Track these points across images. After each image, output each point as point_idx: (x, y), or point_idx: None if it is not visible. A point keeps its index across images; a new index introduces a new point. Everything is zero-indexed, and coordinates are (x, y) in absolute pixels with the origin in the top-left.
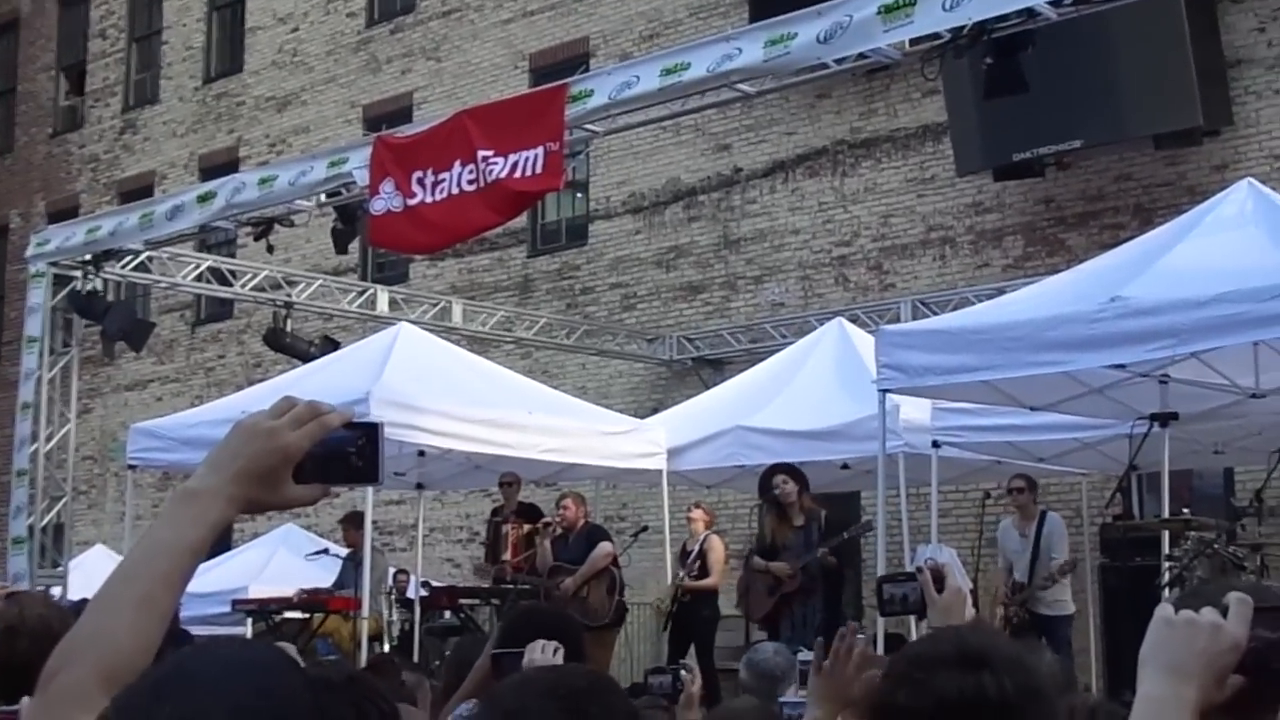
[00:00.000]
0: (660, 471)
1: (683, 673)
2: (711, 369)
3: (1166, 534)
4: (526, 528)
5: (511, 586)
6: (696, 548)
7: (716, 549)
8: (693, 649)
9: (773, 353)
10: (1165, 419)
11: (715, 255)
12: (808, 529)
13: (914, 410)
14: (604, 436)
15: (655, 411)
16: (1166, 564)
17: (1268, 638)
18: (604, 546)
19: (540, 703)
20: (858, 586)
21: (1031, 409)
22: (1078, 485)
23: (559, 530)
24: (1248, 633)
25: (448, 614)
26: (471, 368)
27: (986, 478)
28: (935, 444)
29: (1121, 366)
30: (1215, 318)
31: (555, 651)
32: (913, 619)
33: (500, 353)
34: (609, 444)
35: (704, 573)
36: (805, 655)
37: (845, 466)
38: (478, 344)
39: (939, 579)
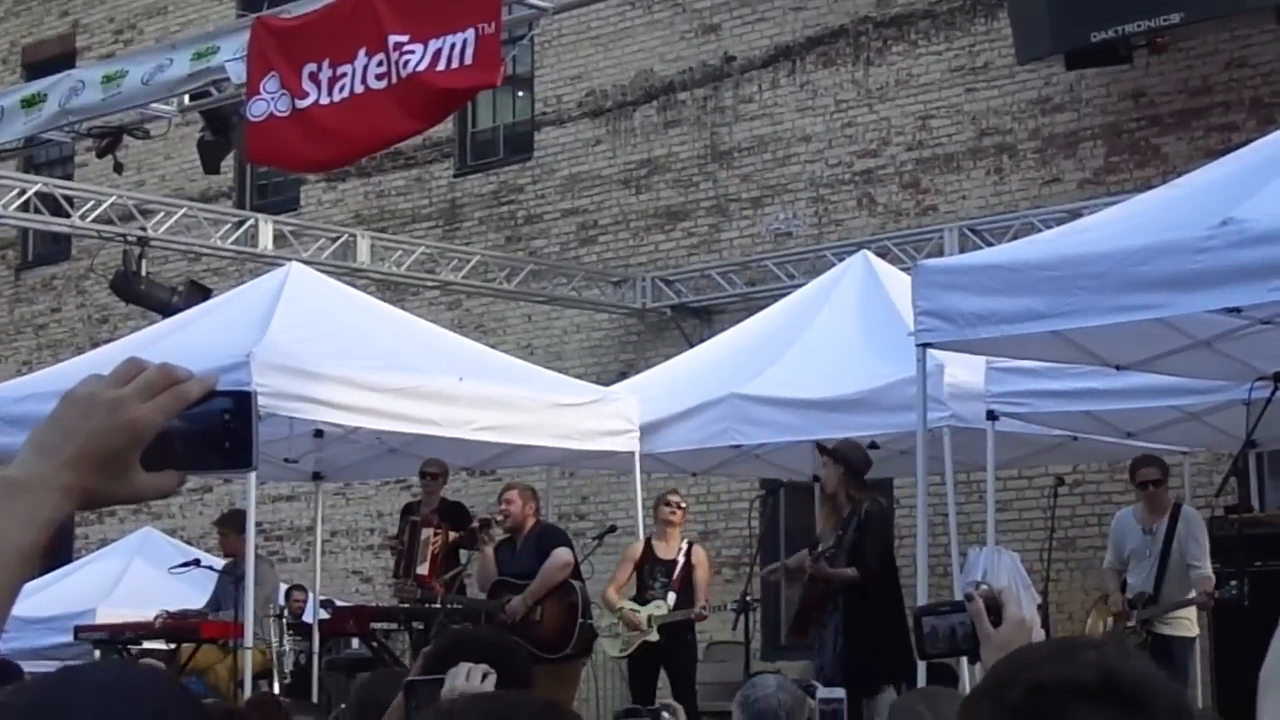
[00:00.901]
0: (632, 455)
1: (664, 716)
2: (697, 320)
3: None
4: (452, 535)
5: (439, 607)
6: (681, 558)
7: (704, 564)
8: (669, 685)
9: (777, 298)
10: None
11: (701, 172)
12: (846, 524)
13: (963, 372)
14: (557, 410)
15: (624, 376)
16: None
17: None
18: (560, 554)
19: None
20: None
21: (1117, 368)
22: (1178, 468)
23: (499, 534)
24: None
25: (355, 643)
26: (383, 321)
27: (1058, 459)
28: (991, 415)
29: (1236, 311)
30: None
31: (485, 678)
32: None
33: (421, 301)
34: (564, 419)
35: (684, 595)
36: (824, 692)
37: (873, 445)
38: (391, 290)
39: (995, 607)
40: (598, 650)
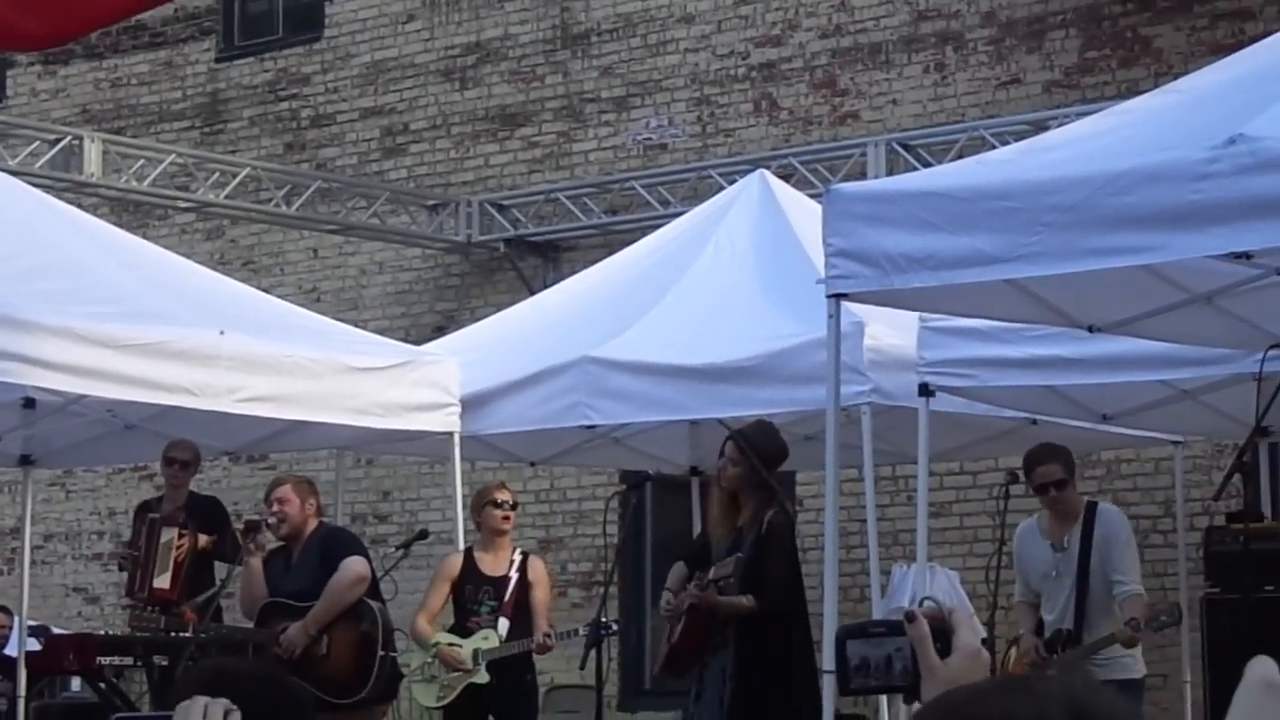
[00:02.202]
0: (450, 437)
1: None
2: (539, 259)
3: None
4: (202, 539)
5: (189, 637)
6: (514, 573)
7: (545, 581)
8: None
9: (645, 232)
10: None
11: (547, 61)
12: (741, 535)
13: (889, 332)
14: (351, 375)
15: (442, 332)
16: None
17: None
18: (351, 566)
19: None
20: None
21: (1090, 330)
22: (1167, 462)
23: (270, 542)
24: None
25: (76, 683)
26: (117, 254)
27: (1012, 449)
28: (925, 390)
29: (1245, 256)
30: None
31: (228, 716)
32: (883, 700)
33: (170, 228)
34: (360, 388)
35: (519, 622)
36: None
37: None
38: (130, 212)
39: (942, 632)
40: (404, 696)
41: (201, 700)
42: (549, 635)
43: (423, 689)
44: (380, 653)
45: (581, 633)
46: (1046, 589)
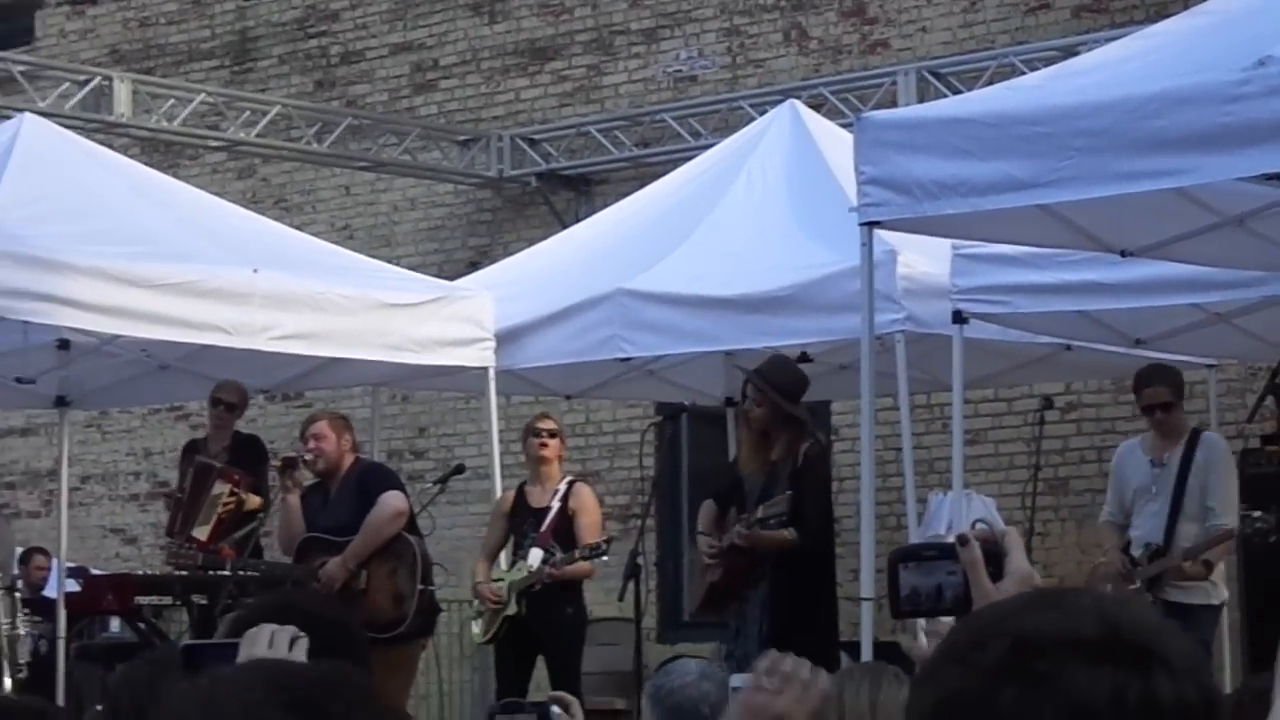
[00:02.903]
0: (485, 371)
1: (554, 710)
2: (572, 193)
3: None
4: (252, 500)
5: (228, 574)
6: (555, 503)
7: (589, 507)
8: (545, 673)
9: (677, 164)
10: None
11: None
12: (780, 467)
13: (922, 260)
14: (384, 311)
15: (475, 268)
16: None
17: None
18: (390, 501)
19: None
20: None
21: (1122, 254)
22: (1203, 385)
23: (307, 478)
24: None
25: (115, 623)
26: (149, 194)
27: (1046, 375)
28: (958, 317)
29: (1276, 177)
30: None
31: (295, 643)
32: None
33: (202, 167)
34: (394, 324)
35: (568, 548)
36: (738, 681)
37: (804, 358)
38: (161, 152)
39: (994, 555)
40: (452, 633)
41: (269, 627)
42: (552, 564)
43: (476, 625)
44: (420, 586)
45: (577, 556)
46: (1140, 505)
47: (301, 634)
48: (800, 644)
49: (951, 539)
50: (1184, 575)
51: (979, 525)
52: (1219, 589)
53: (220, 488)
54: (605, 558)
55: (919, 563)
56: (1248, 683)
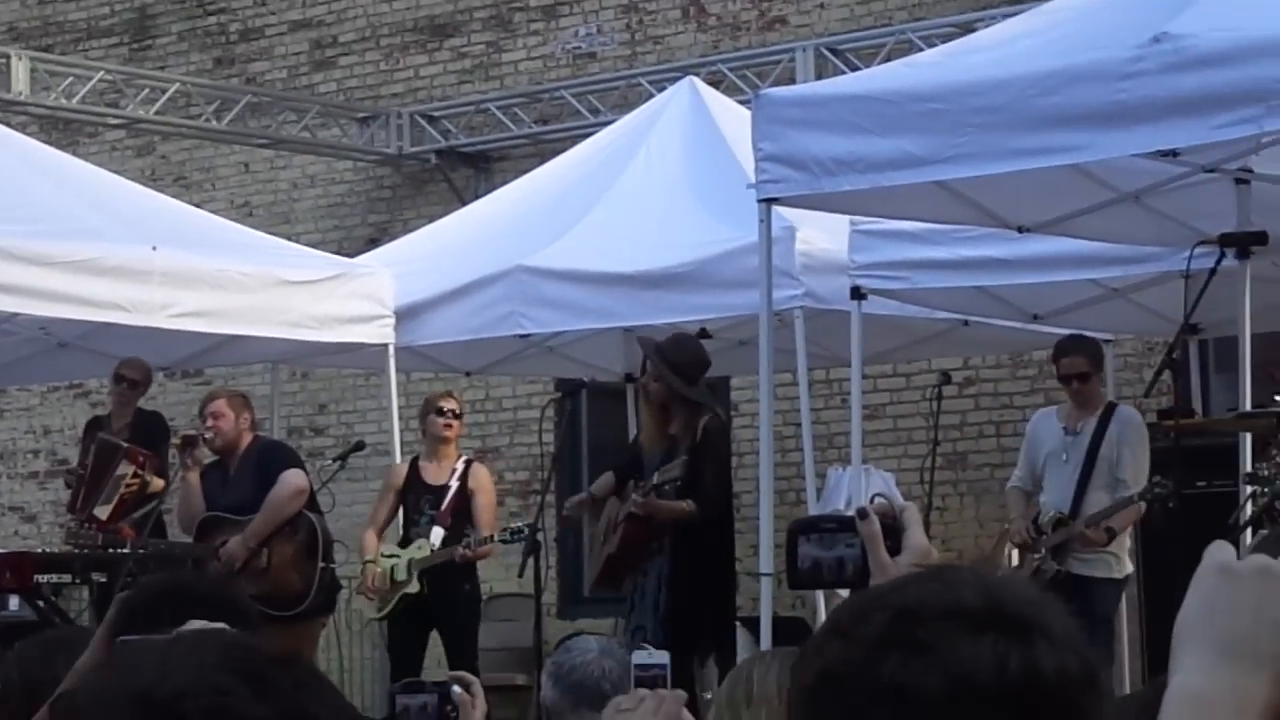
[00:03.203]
0: (385, 348)
1: (455, 690)
2: (471, 169)
3: (1248, 439)
4: (156, 483)
5: (128, 553)
6: (454, 482)
7: (487, 487)
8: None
9: (576, 140)
10: (1246, 244)
11: None
12: (679, 442)
13: (821, 236)
14: (284, 289)
15: (374, 244)
16: (1247, 489)
17: None
18: (290, 479)
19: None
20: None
21: (1019, 230)
22: None
23: (206, 456)
24: None
25: (14, 602)
26: (48, 171)
27: (944, 350)
28: (857, 293)
29: (1172, 154)
30: None
31: None
32: (820, 602)
33: (100, 145)
34: (293, 302)
35: (457, 530)
36: (642, 656)
37: (704, 334)
38: (60, 129)
39: (893, 529)
40: (352, 610)
41: (195, 623)
42: (467, 546)
43: (366, 602)
44: (320, 564)
45: (496, 539)
46: (1051, 471)
47: (227, 629)
48: (696, 618)
49: (856, 509)
50: (1086, 541)
51: (878, 499)
52: (1123, 562)
53: (125, 468)
54: (521, 541)
55: (819, 535)
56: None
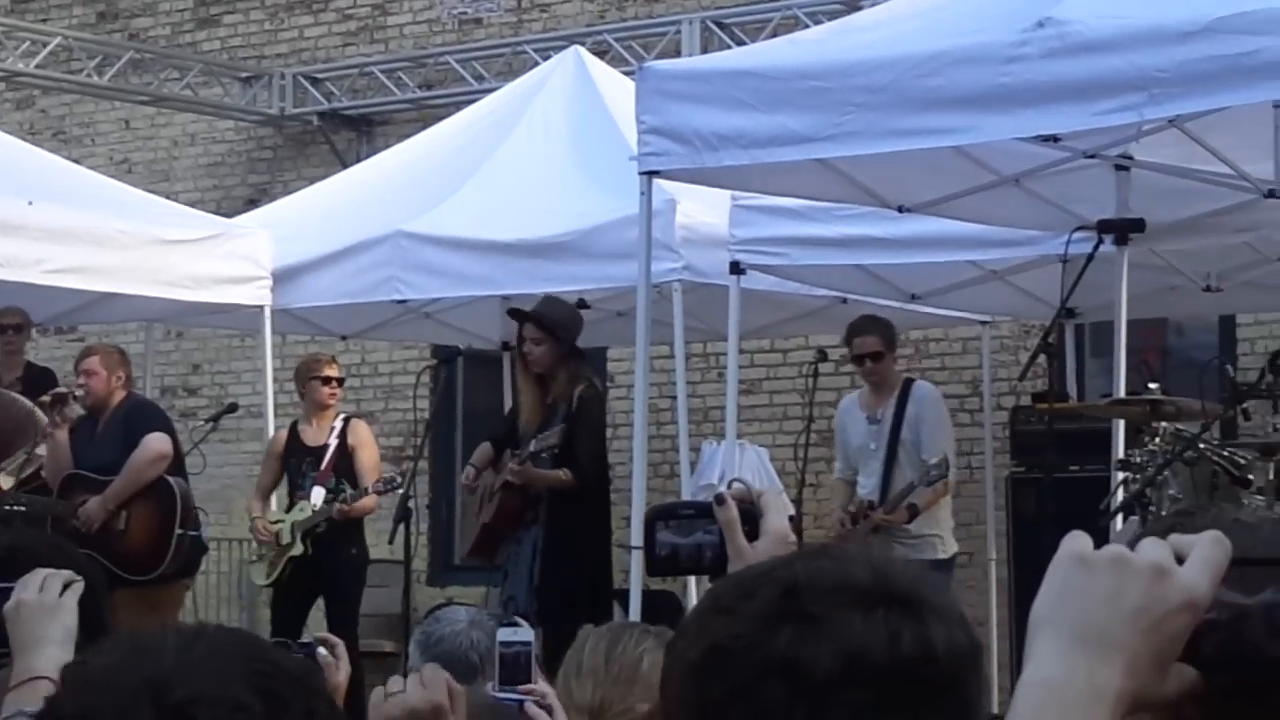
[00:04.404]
0: (261, 310)
1: (320, 652)
2: (353, 132)
3: (1120, 425)
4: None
5: None
6: (333, 440)
7: (368, 442)
8: (323, 615)
9: (459, 106)
10: (1124, 230)
11: None
12: (554, 411)
13: (701, 210)
14: (161, 247)
15: (254, 205)
16: (1120, 475)
17: (1239, 604)
18: (152, 443)
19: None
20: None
21: (900, 210)
22: (975, 342)
23: (78, 411)
24: (1211, 589)
25: None
26: None
27: (822, 327)
28: (736, 268)
29: (1053, 139)
30: (1211, 59)
31: (68, 589)
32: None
33: None
34: (170, 260)
35: (339, 484)
36: (506, 633)
37: (582, 304)
38: None
39: (750, 514)
40: (215, 565)
41: (43, 572)
42: (344, 500)
43: (256, 569)
44: (179, 531)
45: (370, 490)
46: (862, 462)
47: (76, 578)
48: (569, 588)
49: (713, 495)
50: (889, 524)
51: (735, 485)
52: (947, 543)
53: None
54: (399, 491)
55: (678, 521)
56: None
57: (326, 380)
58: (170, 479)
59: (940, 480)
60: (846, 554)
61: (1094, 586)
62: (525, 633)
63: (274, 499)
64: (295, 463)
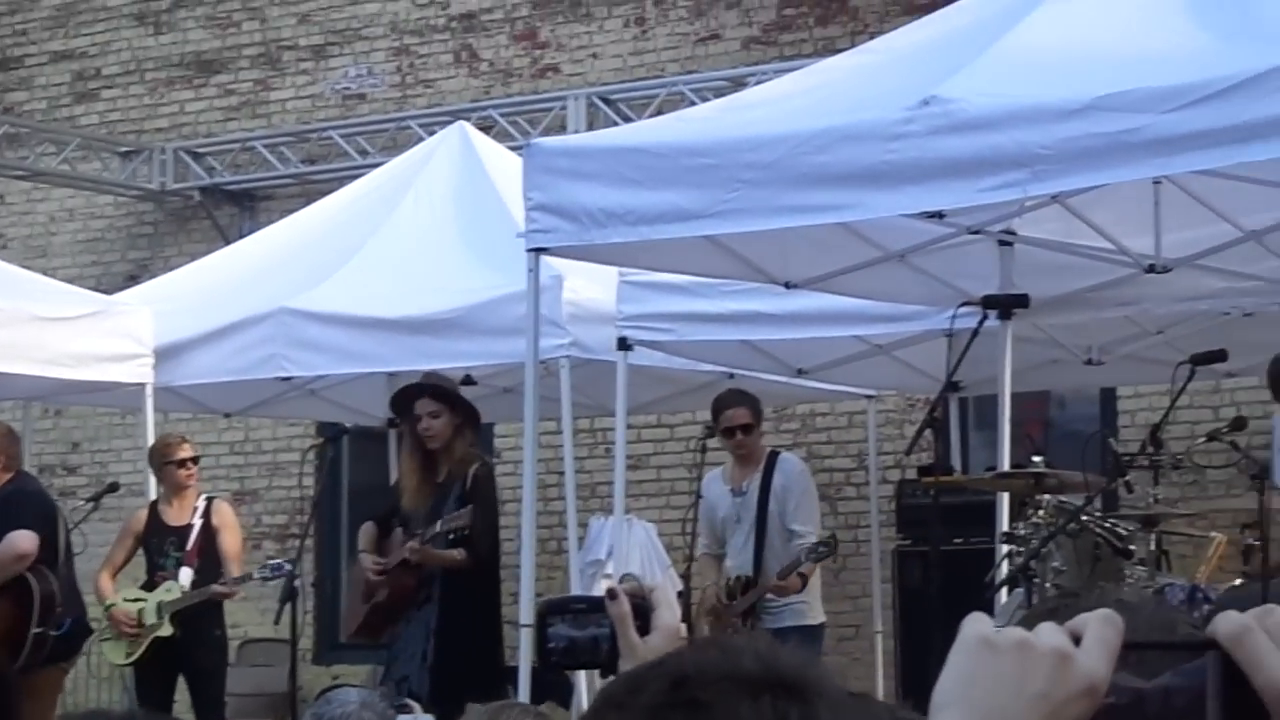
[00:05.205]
0: (142, 388)
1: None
2: (236, 208)
3: (1005, 498)
4: None
5: None
6: (197, 520)
7: (231, 523)
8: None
9: (344, 182)
10: (1008, 306)
11: (244, 7)
12: (446, 489)
13: (589, 286)
14: (39, 324)
15: (135, 281)
16: (1004, 548)
17: (1136, 688)
18: (15, 542)
19: None
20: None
21: (787, 285)
22: (861, 416)
23: None
24: (1109, 672)
25: None
26: None
27: (709, 402)
28: (623, 344)
29: (938, 215)
30: (1093, 136)
31: None
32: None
33: None
34: (48, 338)
35: (205, 569)
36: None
37: (469, 380)
38: None
39: (642, 609)
40: (97, 649)
41: None
42: (223, 582)
43: (111, 646)
44: (35, 630)
45: (256, 576)
46: (728, 535)
47: None
48: (464, 669)
49: (605, 590)
50: (782, 591)
51: (627, 579)
52: (815, 609)
53: None
54: (284, 577)
55: (573, 615)
56: None
57: (181, 463)
58: (31, 576)
59: (829, 556)
60: (734, 645)
61: (998, 670)
62: (425, 718)
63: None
64: (157, 542)
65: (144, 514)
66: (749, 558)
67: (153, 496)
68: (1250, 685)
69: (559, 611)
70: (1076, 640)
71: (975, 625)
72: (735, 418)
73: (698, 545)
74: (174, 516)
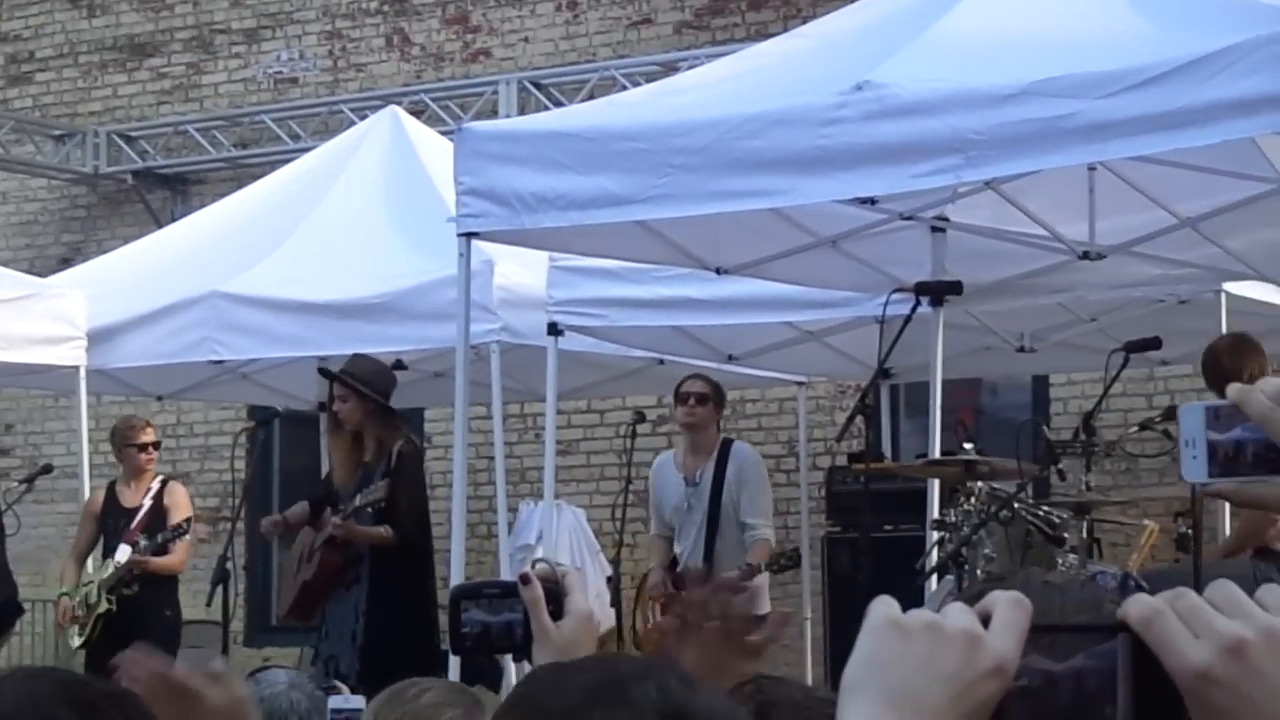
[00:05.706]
0: (75, 370)
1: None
2: (168, 191)
3: (935, 485)
4: None
5: None
6: (147, 501)
7: (183, 504)
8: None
9: (275, 166)
10: (940, 292)
11: None
12: (371, 468)
13: (519, 271)
14: None
15: (67, 265)
16: (935, 535)
17: (1048, 670)
18: None
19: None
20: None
21: (717, 272)
22: (791, 402)
23: None
24: (1018, 653)
25: None
26: None
27: (640, 388)
28: (554, 329)
29: (870, 202)
30: (1027, 122)
31: None
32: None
33: None
34: None
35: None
36: (337, 701)
37: (399, 365)
38: None
39: (555, 594)
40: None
41: None
42: (138, 549)
43: (71, 630)
44: None
45: (159, 539)
46: (679, 522)
47: None
48: (394, 650)
49: (518, 575)
50: (739, 591)
51: (540, 564)
52: (762, 599)
53: None
54: (186, 538)
55: (487, 600)
56: None
57: (142, 447)
58: None
59: (791, 569)
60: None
61: (907, 652)
62: (356, 700)
63: (90, 561)
64: (111, 524)
65: (101, 495)
66: (700, 547)
67: (88, 478)
68: (1161, 668)
69: (472, 596)
70: (986, 622)
71: (883, 607)
72: (691, 385)
73: (650, 525)
74: (129, 498)
